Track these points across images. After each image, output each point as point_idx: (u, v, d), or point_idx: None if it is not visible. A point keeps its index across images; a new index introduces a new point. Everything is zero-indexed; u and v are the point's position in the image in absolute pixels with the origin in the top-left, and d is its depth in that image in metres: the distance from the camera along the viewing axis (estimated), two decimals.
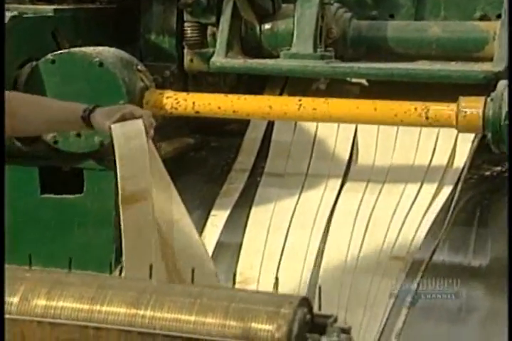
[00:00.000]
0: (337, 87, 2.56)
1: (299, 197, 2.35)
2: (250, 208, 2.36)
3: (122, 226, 1.54)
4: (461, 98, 2.06)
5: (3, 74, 1.33)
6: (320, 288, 1.01)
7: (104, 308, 0.95)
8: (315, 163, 2.43)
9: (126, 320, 0.94)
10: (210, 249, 2.17)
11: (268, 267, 2.22)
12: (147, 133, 1.60)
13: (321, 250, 2.24)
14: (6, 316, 0.92)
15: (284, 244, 2.26)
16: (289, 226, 2.30)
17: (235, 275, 1.17)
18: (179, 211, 1.64)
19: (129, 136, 1.59)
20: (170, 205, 1.62)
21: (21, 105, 1.66)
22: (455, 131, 2.16)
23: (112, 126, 1.59)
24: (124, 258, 1.51)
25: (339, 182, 2.37)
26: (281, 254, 2.24)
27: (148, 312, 0.94)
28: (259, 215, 2.34)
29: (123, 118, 1.61)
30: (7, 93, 1.63)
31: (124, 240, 1.52)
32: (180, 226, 1.63)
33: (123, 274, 1.54)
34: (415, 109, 2.10)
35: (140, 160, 1.57)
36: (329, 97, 2.21)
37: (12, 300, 0.94)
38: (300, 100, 2.19)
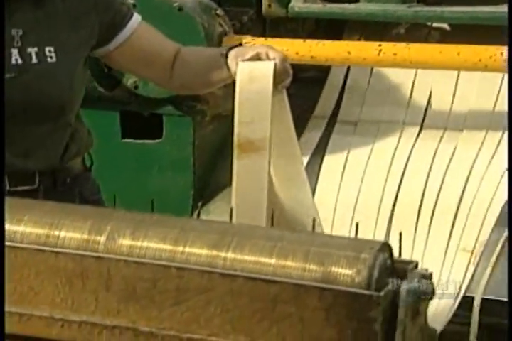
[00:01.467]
0: (417, 32, 2.49)
1: (373, 145, 2.33)
2: (323, 156, 2.35)
3: (234, 177, 1.40)
4: None
5: (3, 72, 1.31)
6: (401, 234, 1.01)
7: (187, 249, 0.96)
8: (390, 110, 2.39)
9: (208, 262, 0.95)
10: None
11: (341, 214, 2.22)
12: (279, 79, 1.40)
13: (396, 199, 2.22)
14: (94, 254, 0.95)
15: (358, 192, 2.25)
16: (363, 174, 2.28)
17: (314, 220, 1.17)
18: (298, 171, 1.49)
19: (254, 77, 1.40)
20: (289, 164, 1.47)
21: (190, 55, 1.53)
22: None
23: (240, 63, 1.42)
24: (233, 211, 1.35)
25: (416, 129, 2.33)
26: (356, 202, 2.23)
27: (229, 254, 0.96)
28: (332, 163, 2.33)
29: (257, 58, 1.42)
30: (177, 47, 1.51)
31: (234, 192, 1.39)
32: (296, 187, 1.47)
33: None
34: (501, 53, 2.03)
35: (261, 105, 1.39)
36: (410, 42, 2.16)
37: (99, 239, 0.96)
38: (380, 45, 2.15)
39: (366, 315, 0.89)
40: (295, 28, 2.59)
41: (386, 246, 0.95)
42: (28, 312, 0.93)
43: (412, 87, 2.40)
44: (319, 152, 2.38)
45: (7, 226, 0.96)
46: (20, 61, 1.34)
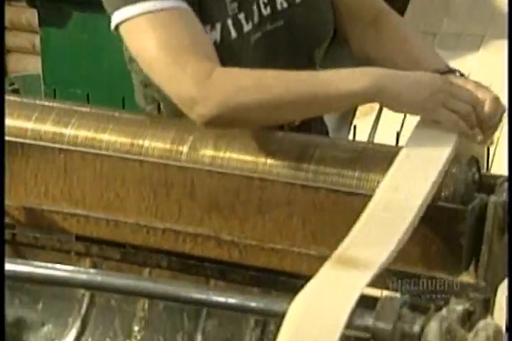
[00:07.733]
0: None
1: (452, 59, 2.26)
2: None
3: None
4: None
5: (3, 74, 1.26)
6: (488, 149, 0.98)
7: (269, 161, 0.96)
8: (473, 23, 2.30)
9: (290, 174, 0.95)
10: None
11: None
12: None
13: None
14: (177, 163, 0.95)
15: None
16: None
17: (398, 134, 1.13)
18: None
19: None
20: None
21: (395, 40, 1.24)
22: None
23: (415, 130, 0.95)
24: None
25: (501, 43, 2.23)
26: None
27: (312, 167, 0.95)
28: None
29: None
30: (378, 10, 1.38)
31: None
32: None
33: None
34: None
35: None
36: None
37: (182, 149, 0.96)
38: None
39: (452, 229, 0.87)
40: None
41: (473, 161, 0.93)
42: (115, 218, 0.94)
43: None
44: None
45: (92, 135, 0.97)
46: (286, 5, 1.34)
